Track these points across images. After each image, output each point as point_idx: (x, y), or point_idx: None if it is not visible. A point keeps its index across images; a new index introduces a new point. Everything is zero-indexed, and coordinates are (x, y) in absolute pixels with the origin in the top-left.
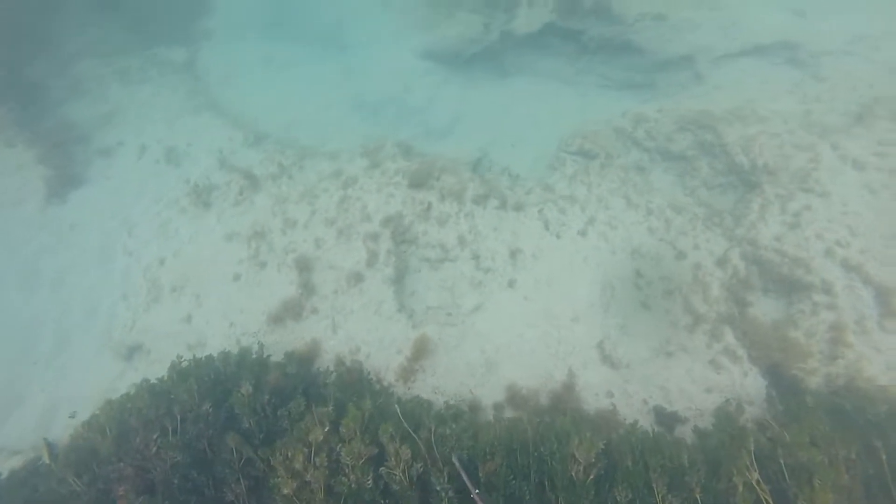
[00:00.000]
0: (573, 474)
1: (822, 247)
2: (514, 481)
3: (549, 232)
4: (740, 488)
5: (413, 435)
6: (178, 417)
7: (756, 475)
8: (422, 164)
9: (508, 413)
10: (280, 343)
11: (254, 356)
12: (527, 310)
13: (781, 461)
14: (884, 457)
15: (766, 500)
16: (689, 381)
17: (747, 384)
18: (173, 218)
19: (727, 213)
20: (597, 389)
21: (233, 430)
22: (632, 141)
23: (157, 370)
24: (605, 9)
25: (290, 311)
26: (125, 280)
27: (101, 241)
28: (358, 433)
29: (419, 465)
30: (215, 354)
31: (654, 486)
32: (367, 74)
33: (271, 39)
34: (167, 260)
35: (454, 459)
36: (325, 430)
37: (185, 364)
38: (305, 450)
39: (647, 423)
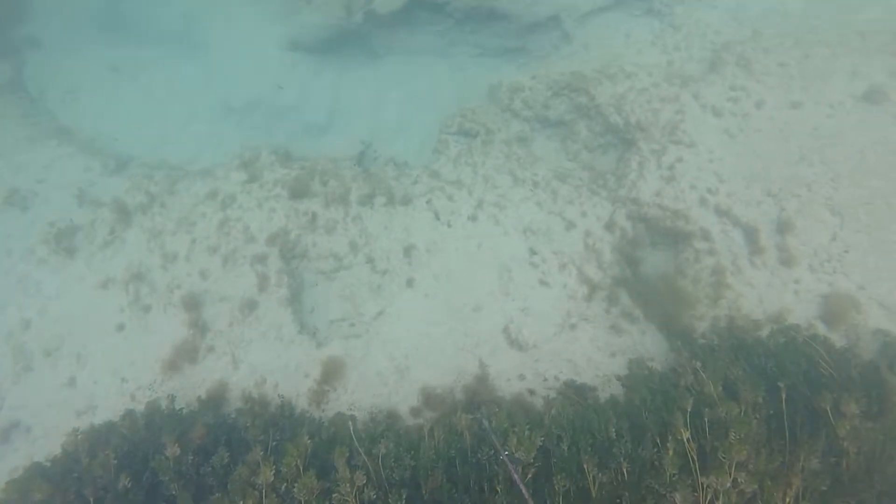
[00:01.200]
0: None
1: (696, 196)
2: (455, 493)
3: (441, 222)
4: (670, 452)
5: (364, 458)
6: (93, 500)
7: (687, 434)
8: (301, 171)
9: (427, 415)
10: (180, 390)
11: (164, 411)
12: (429, 307)
13: (705, 417)
14: (783, 395)
15: (692, 458)
16: (595, 350)
17: (647, 341)
18: (31, 272)
19: (610, 174)
20: (509, 374)
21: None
22: (510, 113)
23: (44, 448)
24: None
25: (185, 354)
26: None
27: None
28: (301, 469)
29: (371, 492)
30: (117, 419)
31: (584, 466)
32: (230, 74)
33: (113, 44)
34: (32, 321)
35: (504, 457)
36: (271, 472)
37: (80, 436)
38: (256, 493)
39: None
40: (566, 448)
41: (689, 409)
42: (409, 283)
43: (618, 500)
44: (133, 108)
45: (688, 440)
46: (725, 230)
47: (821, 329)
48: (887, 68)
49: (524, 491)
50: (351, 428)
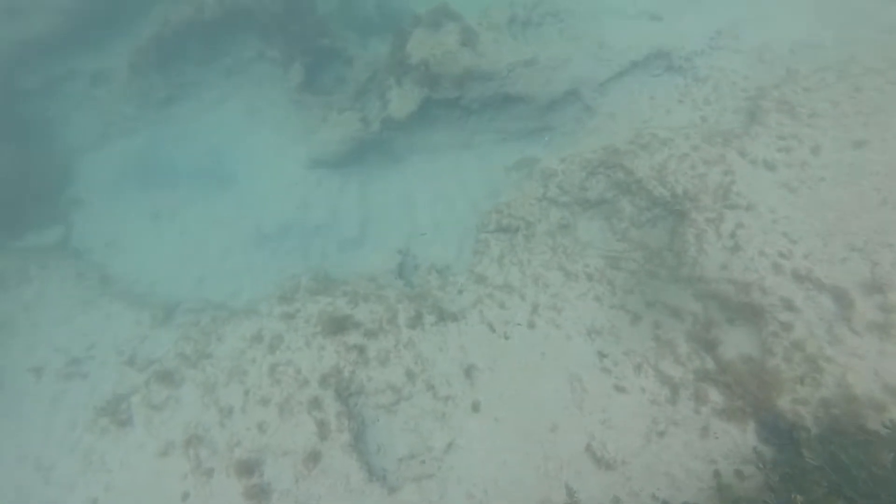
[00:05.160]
0: None
1: (768, 263)
2: None
3: (497, 334)
4: None
5: None
6: None
7: None
8: (343, 298)
9: None
10: None
11: None
12: (501, 433)
13: None
14: None
15: None
16: (691, 458)
17: (749, 441)
18: (95, 444)
19: (665, 250)
20: (601, 498)
21: None
22: (547, 201)
23: None
24: (473, 69)
25: None
26: None
27: (13, 498)
28: None
29: None
30: None
31: None
32: (260, 201)
33: (148, 190)
34: (99, 500)
35: None
36: None
37: None
38: None
39: None
40: None
41: None
42: (475, 407)
43: None
44: (171, 250)
45: None
46: (810, 296)
47: None
48: None
49: None
50: None
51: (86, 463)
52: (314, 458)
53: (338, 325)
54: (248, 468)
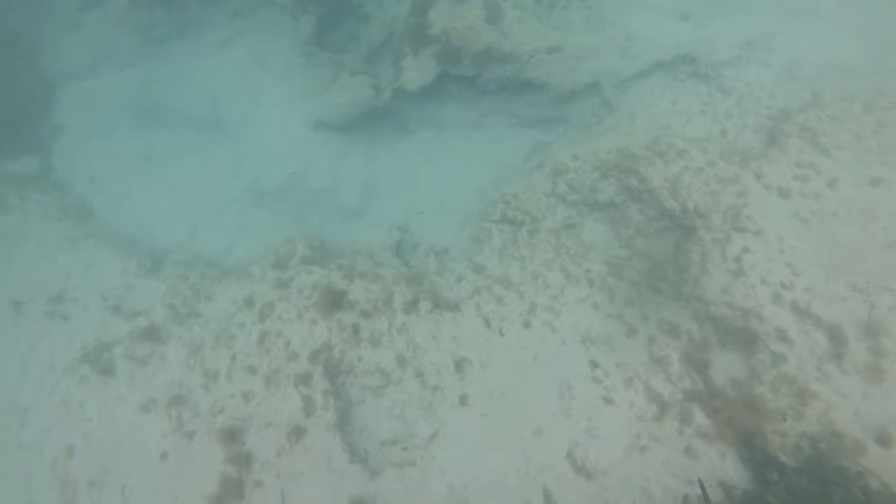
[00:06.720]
0: None
1: (768, 292)
2: None
3: (492, 329)
4: None
5: None
6: None
7: None
8: (339, 272)
9: None
10: None
11: None
12: (486, 429)
13: None
14: None
15: None
16: (669, 476)
17: (727, 466)
18: (74, 391)
19: (668, 264)
20: None
21: None
22: (556, 197)
23: None
24: (494, 50)
25: (230, 490)
26: (28, 483)
27: None
28: None
29: None
30: None
31: None
32: (260, 157)
33: (140, 129)
34: (76, 447)
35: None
36: None
37: None
38: None
39: None
40: None
41: None
42: (463, 400)
43: None
44: (164, 196)
45: None
46: (806, 330)
47: None
48: None
49: None
50: None
51: (64, 409)
52: (298, 433)
53: (332, 301)
54: (231, 435)
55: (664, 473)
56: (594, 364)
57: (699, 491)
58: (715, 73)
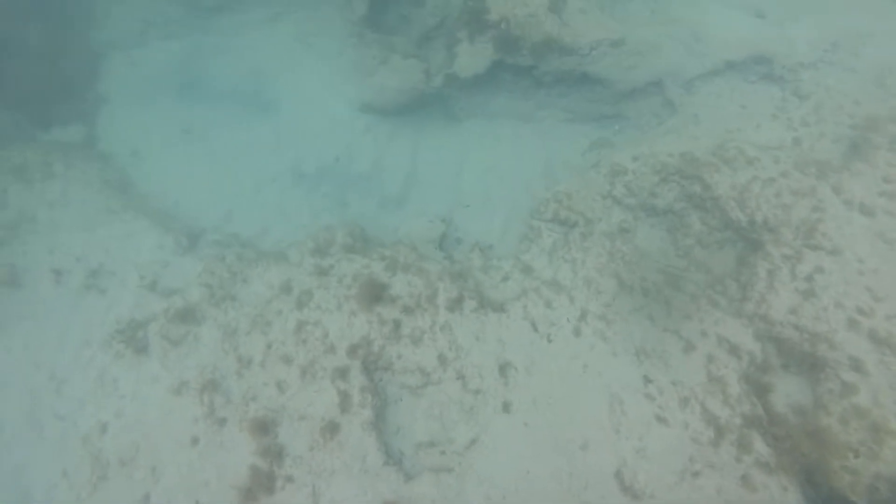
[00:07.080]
0: None
1: (843, 317)
2: None
3: (539, 335)
4: None
5: None
6: None
7: None
8: (381, 263)
9: None
10: None
11: None
12: (529, 439)
13: None
14: None
15: None
16: None
17: (789, 500)
18: (109, 366)
19: (730, 278)
20: None
21: None
22: (612, 200)
23: None
24: (554, 41)
25: (260, 483)
26: (61, 453)
27: (27, 402)
28: None
29: None
30: None
31: None
32: (302, 137)
33: (181, 101)
34: (109, 424)
35: None
36: None
37: None
38: None
39: None
40: None
41: None
42: (506, 407)
43: None
44: (201, 171)
45: None
46: (885, 362)
47: None
48: None
49: None
50: None
51: (98, 383)
52: (332, 429)
53: (374, 294)
54: (263, 426)
55: (718, 502)
56: (647, 379)
57: None
58: (791, 76)
